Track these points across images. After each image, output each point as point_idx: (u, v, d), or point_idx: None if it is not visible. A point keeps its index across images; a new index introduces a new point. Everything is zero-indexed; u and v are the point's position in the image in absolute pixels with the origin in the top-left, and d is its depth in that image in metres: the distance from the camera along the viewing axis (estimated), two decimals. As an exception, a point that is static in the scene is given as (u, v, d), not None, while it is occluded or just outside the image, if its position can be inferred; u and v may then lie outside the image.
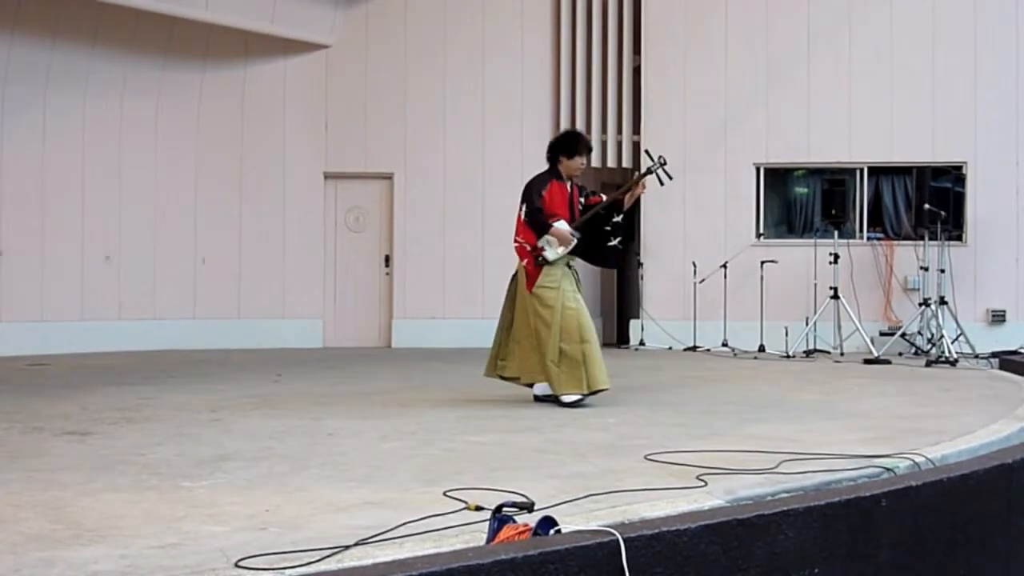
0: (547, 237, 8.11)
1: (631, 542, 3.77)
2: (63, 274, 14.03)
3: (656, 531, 3.92)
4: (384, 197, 15.68)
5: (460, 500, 4.42)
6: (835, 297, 13.78)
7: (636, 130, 15.50)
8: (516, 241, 8.28)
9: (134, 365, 12.19)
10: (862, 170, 14.94)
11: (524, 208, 8.20)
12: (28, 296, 13.76)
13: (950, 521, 5.12)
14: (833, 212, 14.09)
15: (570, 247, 8.18)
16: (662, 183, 8.25)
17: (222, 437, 6.49)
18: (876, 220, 15.01)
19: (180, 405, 8.21)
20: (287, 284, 15.45)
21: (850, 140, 14.86)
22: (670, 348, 14.85)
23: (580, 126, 15.47)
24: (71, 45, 13.79)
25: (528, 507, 4.04)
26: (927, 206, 13.35)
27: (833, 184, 14.27)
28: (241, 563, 3.50)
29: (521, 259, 8.25)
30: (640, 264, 15.39)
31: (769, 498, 4.66)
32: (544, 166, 8.42)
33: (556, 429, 6.83)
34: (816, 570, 4.42)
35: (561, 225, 8.14)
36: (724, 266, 14.60)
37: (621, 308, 16.75)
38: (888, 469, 5.29)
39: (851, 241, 14.56)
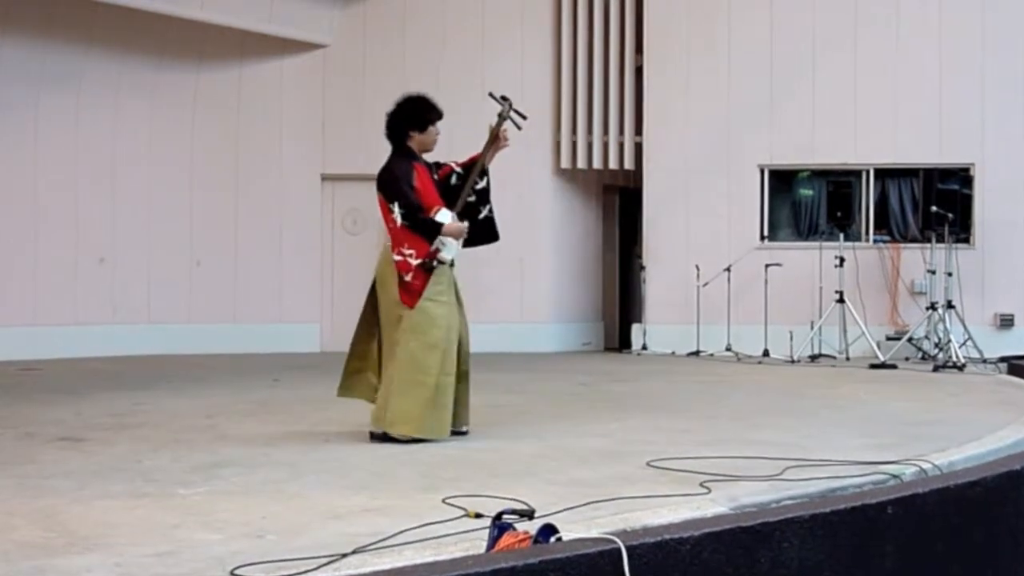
0: (440, 238, 6.63)
1: (633, 550, 3.76)
2: (56, 277, 13.93)
3: (659, 539, 3.91)
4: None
5: (459, 507, 4.40)
6: (840, 301, 13.72)
7: (638, 131, 15.44)
8: (400, 254, 6.64)
9: (128, 370, 12.15)
10: (868, 172, 14.87)
11: (398, 209, 6.66)
12: (20, 299, 13.65)
13: (957, 529, 5.09)
14: (838, 214, 14.04)
15: (465, 233, 6.79)
16: (519, 127, 7.08)
17: (218, 443, 6.48)
18: (882, 223, 14.93)
19: (175, 410, 8.19)
20: (284, 287, 15.39)
21: (856, 141, 14.78)
22: (673, 353, 14.79)
23: (581, 126, 15.43)
24: (64, 44, 13.73)
25: (528, 514, 4.02)
26: (934, 208, 13.28)
27: (838, 186, 14.21)
28: (237, 571, 3.51)
29: (404, 272, 6.62)
30: (642, 267, 15.34)
31: (773, 505, 4.65)
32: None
33: (557, 435, 6.81)
34: (821, 578, 4.41)
35: (446, 217, 6.68)
36: (728, 269, 14.53)
37: (623, 312, 16.71)
38: (894, 476, 5.27)
39: (857, 244, 14.48)
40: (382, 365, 6.74)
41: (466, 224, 6.76)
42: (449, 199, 6.80)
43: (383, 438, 6.47)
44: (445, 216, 6.67)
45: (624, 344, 15.88)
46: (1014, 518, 5.51)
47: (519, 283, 15.32)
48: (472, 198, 6.90)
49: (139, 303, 14.62)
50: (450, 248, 6.68)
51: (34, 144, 13.82)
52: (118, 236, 14.48)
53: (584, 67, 15.53)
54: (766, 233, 15.12)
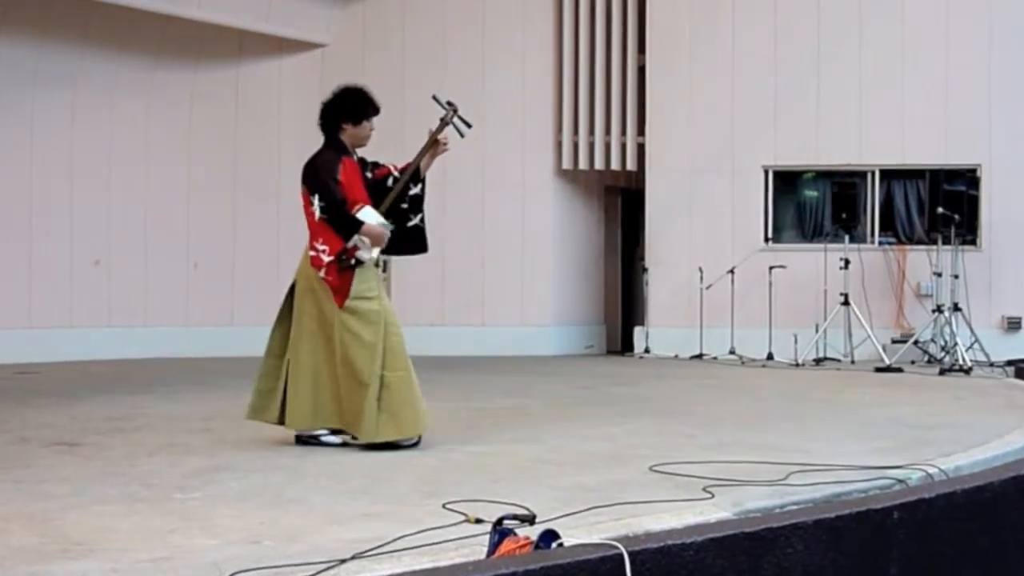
0: (358, 236, 6.35)
1: (636, 556, 3.73)
2: (51, 279, 13.89)
3: (661, 544, 3.89)
4: (382, 201, 15.58)
5: (460, 512, 4.39)
6: (846, 303, 13.66)
7: (641, 131, 15.40)
8: (314, 249, 6.44)
9: (124, 373, 12.13)
10: (874, 173, 14.82)
11: (318, 202, 6.39)
12: (15, 302, 13.61)
13: (964, 534, 5.07)
14: (844, 216, 14.00)
15: (385, 241, 6.49)
16: (462, 134, 6.74)
17: (215, 447, 6.45)
18: (888, 224, 14.88)
19: (172, 414, 8.17)
20: (282, 290, 15.24)
21: (861, 142, 14.73)
22: (676, 356, 14.74)
23: (583, 127, 15.39)
24: (61, 44, 13.71)
25: (530, 519, 4.00)
26: (940, 210, 13.23)
27: (844, 187, 14.16)
28: (234, 577, 3.50)
29: (317, 269, 6.45)
30: (645, 269, 15.29)
31: (778, 510, 4.64)
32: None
33: (558, 439, 6.78)
34: (827, 584, 4.40)
35: (369, 216, 6.41)
36: (731, 272, 14.49)
37: (625, 315, 16.67)
38: (900, 480, 5.26)
39: (862, 246, 14.43)
40: (316, 369, 6.47)
41: (387, 232, 6.45)
42: (379, 200, 6.57)
43: (381, 444, 6.34)
44: (368, 215, 6.40)
45: (626, 347, 15.84)
46: (1021, 523, 5.48)
47: (520, 286, 15.28)
48: (404, 205, 6.63)
49: (136, 306, 14.57)
50: (368, 250, 6.39)
51: (30, 144, 13.78)
52: (114, 238, 14.44)
53: (586, 66, 15.48)
54: (770, 235, 15.08)
